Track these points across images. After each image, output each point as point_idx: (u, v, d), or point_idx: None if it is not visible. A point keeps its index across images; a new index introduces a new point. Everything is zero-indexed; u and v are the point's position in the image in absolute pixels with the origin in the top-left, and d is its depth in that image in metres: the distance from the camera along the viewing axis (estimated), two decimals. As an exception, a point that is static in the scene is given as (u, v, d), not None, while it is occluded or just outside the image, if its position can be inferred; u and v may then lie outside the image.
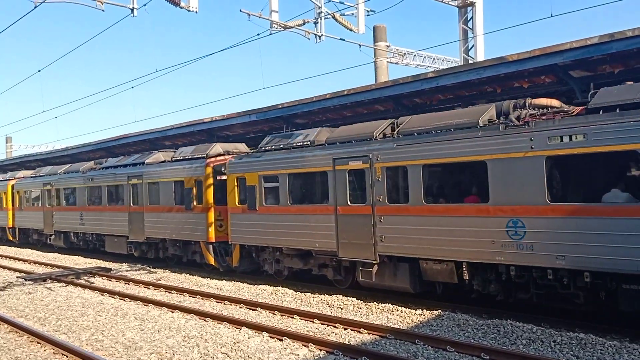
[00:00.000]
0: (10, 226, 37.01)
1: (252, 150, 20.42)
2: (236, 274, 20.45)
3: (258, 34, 16.42)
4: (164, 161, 23.62)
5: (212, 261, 20.52)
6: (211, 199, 20.27)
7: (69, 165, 32.02)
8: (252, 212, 18.28)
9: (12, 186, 36.63)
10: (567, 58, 13.31)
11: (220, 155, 21.00)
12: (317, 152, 16.29)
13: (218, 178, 20.22)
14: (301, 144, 17.16)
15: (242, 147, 21.99)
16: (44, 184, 32.23)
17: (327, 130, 17.22)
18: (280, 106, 20.47)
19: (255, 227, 18.20)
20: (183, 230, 21.53)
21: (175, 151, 24.23)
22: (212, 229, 20.12)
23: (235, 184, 19.05)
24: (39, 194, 33.04)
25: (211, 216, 20.19)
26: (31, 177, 35.55)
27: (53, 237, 31.54)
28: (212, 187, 20.24)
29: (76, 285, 20.12)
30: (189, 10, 15.14)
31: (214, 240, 20.22)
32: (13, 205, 36.49)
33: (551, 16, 13.96)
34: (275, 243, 17.74)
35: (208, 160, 20.59)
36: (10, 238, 37.51)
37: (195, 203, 20.83)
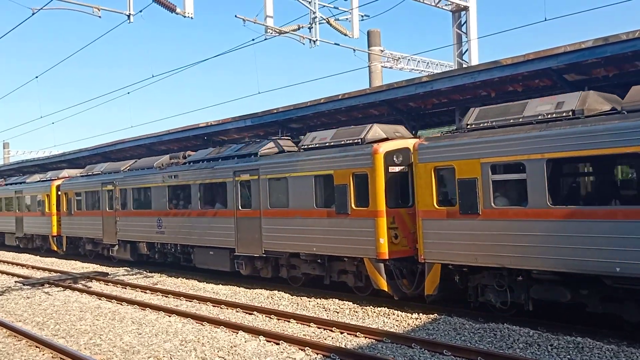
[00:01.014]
0: (55, 234, 31.16)
1: (448, 131, 15.04)
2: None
3: (253, 39, 16.48)
4: (283, 151, 18.35)
5: (384, 285, 14.76)
6: (382, 200, 14.70)
7: (133, 161, 26.51)
8: (468, 217, 12.80)
9: (57, 187, 31.05)
10: (561, 62, 13.38)
11: (382, 140, 15.54)
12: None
13: (390, 170, 14.99)
14: (559, 114, 11.77)
15: (402, 129, 16.57)
16: (104, 183, 26.48)
17: (597, 94, 11.98)
18: (275, 111, 20.55)
19: (475, 240, 12.64)
20: (331, 242, 15.82)
21: (288, 138, 19.78)
22: (384, 241, 14.58)
23: (433, 177, 13.56)
24: (96, 196, 27.27)
25: (382, 223, 14.63)
26: (83, 176, 29.41)
27: (116, 247, 25.90)
28: (383, 183, 14.80)
29: (74, 289, 20.14)
30: (185, 16, 15.18)
31: (387, 257, 14.60)
32: (58, 209, 30.81)
33: (545, 20, 14.11)
34: (523, 263, 11.92)
35: (375, 147, 14.91)
36: (55, 248, 31.68)
37: (353, 205, 15.23)
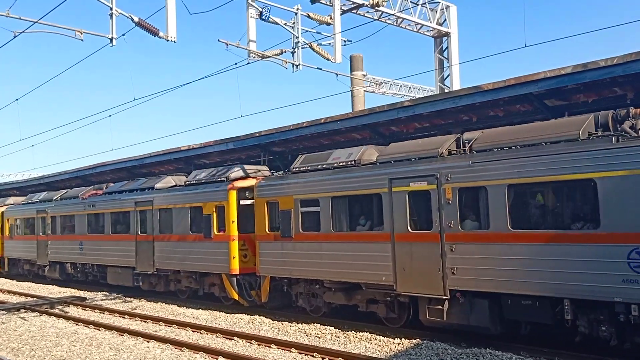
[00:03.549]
0: (237, 272, 18.58)
1: None
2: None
3: (236, 63, 16.45)
4: None
5: None
6: None
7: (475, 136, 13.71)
8: None
9: (241, 192, 19.00)
10: (541, 87, 13.51)
11: None
12: None
13: None
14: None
15: None
16: (413, 178, 13.70)
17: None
18: (257, 134, 20.50)
19: None
20: None
21: None
22: None
23: None
24: (374, 203, 14.85)
25: None
26: (319, 169, 16.52)
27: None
28: None
29: (50, 314, 19.77)
30: (168, 40, 15.14)
31: None
32: (243, 230, 18.81)
33: (525, 46, 14.21)
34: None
35: None
36: (235, 296, 18.82)
37: None
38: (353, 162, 15.59)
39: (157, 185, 22.74)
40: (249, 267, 18.47)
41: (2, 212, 34.03)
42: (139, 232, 22.71)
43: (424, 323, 13.64)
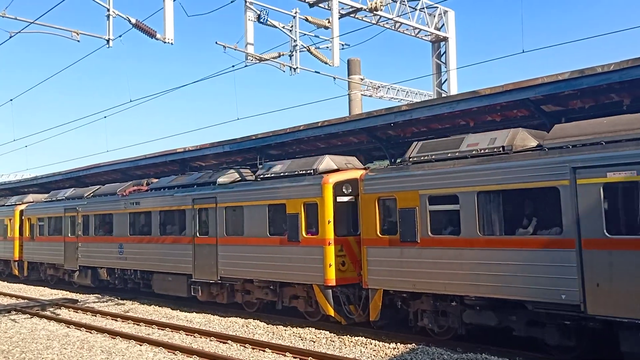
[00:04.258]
0: (330, 283, 15.44)
1: None
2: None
3: (233, 66, 16.42)
4: None
5: None
6: None
7: None
8: None
9: (337, 187, 15.92)
10: (538, 93, 13.50)
11: None
12: None
13: None
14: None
15: None
16: (617, 165, 10.39)
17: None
18: (253, 137, 20.44)
19: None
20: None
21: None
22: None
23: None
24: (547, 200, 11.84)
25: None
26: None
27: None
28: None
29: (41, 317, 19.61)
30: (165, 42, 15.08)
31: None
32: (346, 230, 16.04)
33: (523, 52, 14.20)
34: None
35: None
36: (330, 312, 15.55)
37: None
38: (502, 149, 12.55)
39: (221, 180, 19.55)
40: (347, 277, 15.53)
41: (21, 211, 31.20)
42: (198, 234, 19.59)
43: (626, 357, 10.42)
